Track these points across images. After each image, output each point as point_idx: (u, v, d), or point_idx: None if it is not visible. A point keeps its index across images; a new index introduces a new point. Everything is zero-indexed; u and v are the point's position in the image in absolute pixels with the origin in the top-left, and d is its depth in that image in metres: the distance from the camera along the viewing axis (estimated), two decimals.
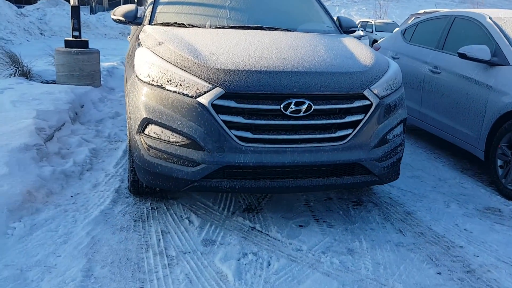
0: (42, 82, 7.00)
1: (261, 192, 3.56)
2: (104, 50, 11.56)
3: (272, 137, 2.94)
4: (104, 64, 8.82)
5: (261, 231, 3.19)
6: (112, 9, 4.69)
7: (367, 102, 3.11)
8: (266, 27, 4.01)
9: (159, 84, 3.01)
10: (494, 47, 4.52)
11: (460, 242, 3.23)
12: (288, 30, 4.05)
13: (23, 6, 22.60)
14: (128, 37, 5.80)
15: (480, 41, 4.77)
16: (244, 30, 3.88)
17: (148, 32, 3.64)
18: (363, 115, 3.11)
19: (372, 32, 22.10)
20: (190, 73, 2.96)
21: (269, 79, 2.92)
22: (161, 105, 2.95)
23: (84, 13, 23.68)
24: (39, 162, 3.89)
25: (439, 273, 2.82)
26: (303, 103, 2.94)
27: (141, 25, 4.11)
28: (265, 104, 2.91)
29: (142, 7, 4.91)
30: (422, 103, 5.53)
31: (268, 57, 3.12)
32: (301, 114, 2.94)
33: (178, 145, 2.94)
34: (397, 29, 10.32)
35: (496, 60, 4.43)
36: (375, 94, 3.14)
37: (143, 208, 3.42)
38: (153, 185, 3.09)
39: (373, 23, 22.88)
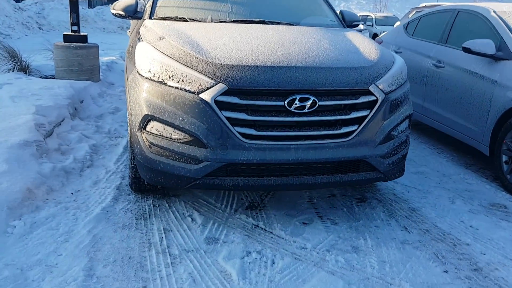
0: (41, 77, 6.93)
1: (265, 190, 3.51)
2: (103, 45, 11.46)
3: (276, 134, 2.89)
4: (103, 59, 8.75)
5: (264, 229, 3.15)
6: (111, 3, 4.62)
7: (373, 98, 3.06)
8: (269, 21, 3.96)
9: (160, 80, 2.95)
10: (499, 41, 4.46)
11: (466, 239, 3.19)
12: (291, 24, 3.99)
13: (21, 0, 22.45)
14: (127, 31, 5.73)
15: (484, 35, 4.72)
16: (246, 24, 3.82)
17: (149, 26, 3.58)
18: (369, 111, 3.06)
19: (372, 25, 22.00)
20: (192, 68, 2.90)
21: (273, 75, 2.87)
22: (163, 101, 2.90)
23: (83, 7, 23.52)
24: (38, 158, 3.83)
25: (446, 272, 2.78)
26: (308, 99, 2.88)
27: (142, 19, 4.05)
28: (269, 100, 2.86)
29: (142, 1, 4.84)
30: (425, 97, 5.48)
31: (272, 52, 3.06)
32: (306, 110, 2.89)
33: (180, 142, 2.89)
34: (398, 22, 10.25)
35: (501, 54, 4.37)
36: (380, 89, 3.09)
37: (145, 206, 3.38)
38: (155, 182, 3.04)
39: (373, 16, 22.77)
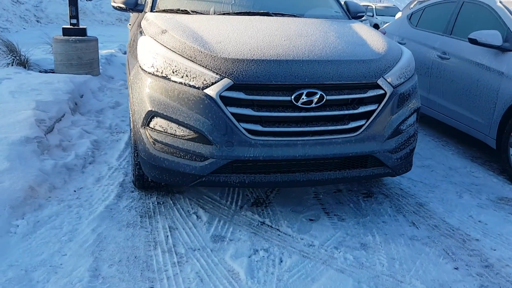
0: (40, 72, 6.85)
1: (271, 187, 3.46)
2: (102, 37, 11.33)
3: (283, 129, 2.83)
4: (102, 52, 8.65)
5: (271, 226, 3.10)
6: None
7: (381, 92, 2.99)
8: (273, 13, 3.88)
9: (164, 75, 2.89)
10: (506, 32, 4.39)
11: (476, 235, 3.14)
12: (295, 16, 3.92)
13: None
14: (128, 24, 5.64)
15: (490, 25, 4.64)
16: (250, 16, 3.75)
17: (151, 19, 3.51)
18: (377, 105, 3.00)
19: (372, 16, 21.86)
20: (196, 63, 2.83)
21: (280, 69, 2.80)
22: (167, 97, 2.83)
23: None
24: (40, 155, 3.78)
25: (457, 268, 2.74)
26: (315, 93, 2.82)
27: (143, 12, 3.97)
28: (275, 95, 2.79)
29: None
30: (430, 89, 5.41)
31: (278, 45, 2.99)
32: (313, 105, 2.83)
33: (185, 139, 2.83)
34: (399, 13, 10.15)
35: (508, 45, 4.30)
36: (389, 82, 3.02)
37: (149, 203, 3.32)
38: (159, 180, 2.98)
39: (373, 7, 22.62)
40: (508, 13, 4.54)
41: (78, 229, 2.91)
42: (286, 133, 2.85)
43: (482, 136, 4.54)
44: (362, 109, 2.95)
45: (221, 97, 2.75)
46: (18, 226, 2.86)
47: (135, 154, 3.26)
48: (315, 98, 2.82)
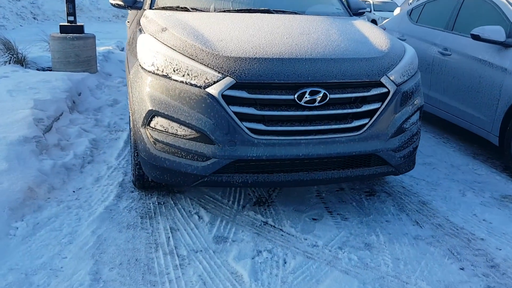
0: (37, 69, 6.79)
1: (274, 186, 3.41)
2: (99, 34, 11.23)
3: (286, 128, 2.79)
4: (100, 49, 8.58)
5: (274, 226, 3.06)
6: None
7: (384, 90, 2.95)
8: (274, 10, 3.83)
9: (164, 73, 2.84)
10: (509, 28, 4.35)
11: (481, 234, 3.11)
12: (296, 13, 3.87)
13: None
14: (126, 22, 5.58)
15: (493, 21, 4.60)
16: (251, 13, 3.70)
17: (150, 17, 3.45)
18: (380, 103, 2.96)
19: (370, 11, 21.79)
20: (197, 61, 2.79)
21: (282, 67, 2.76)
22: (168, 96, 2.79)
23: None
24: (39, 155, 3.73)
25: (462, 269, 2.70)
26: (318, 92, 2.78)
27: (142, 9, 3.91)
28: (278, 94, 2.75)
29: None
30: (430, 86, 5.38)
31: (280, 43, 2.95)
32: (316, 104, 2.79)
33: (186, 139, 2.79)
34: (397, 8, 10.08)
35: (511, 41, 4.26)
36: (392, 81, 2.98)
37: (150, 203, 3.28)
38: (160, 180, 2.94)
39: (371, 2, 22.54)
40: (511, 8, 4.50)
41: (78, 231, 2.87)
42: (289, 132, 2.81)
43: (485, 133, 4.50)
44: (365, 108, 2.91)
45: (223, 96, 2.71)
46: (17, 228, 2.82)
47: (135, 154, 3.21)
48: (318, 97, 2.78)
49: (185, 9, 3.72)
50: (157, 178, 2.95)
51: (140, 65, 3.00)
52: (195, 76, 2.75)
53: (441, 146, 4.98)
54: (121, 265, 2.56)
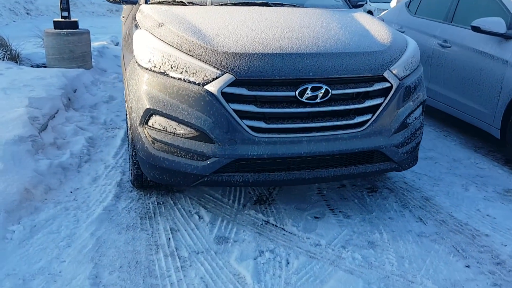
0: (32, 66, 6.69)
1: (276, 185, 3.34)
2: (93, 29, 11.09)
3: (287, 126, 2.73)
4: (94, 44, 8.46)
5: (275, 225, 3.01)
6: None
7: (387, 85, 2.90)
8: (272, 3, 3.75)
9: (162, 70, 2.77)
10: (510, 19, 4.29)
11: (485, 230, 3.07)
12: (295, 6, 3.80)
13: None
14: (121, 17, 5.49)
15: (492, 12, 4.54)
16: (248, 7, 3.62)
17: (146, 12, 3.37)
18: (383, 98, 2.90)
19: (366, 3, 21.63)
20: (196, 58, 2.72)
21: (283, 63, 2.69)
22: (165, 94, 2.72)
23: None
24: (34, 155, 3.65)
25: (468, 266, 2.66)
26: (320, 88, 2.72)
27: (137, 4, 3.83)
28: (279, 90, 2.69)
29: None
30: (430, 79, 5.32)
31: (280, 37, 2.88)
32: (318, 100, 2.73)
33: (185, 138, 2.72)
34: (394, 0, 10.00)
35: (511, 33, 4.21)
36: (394, 75, 2.92)
37: (149, 203, 3.22)
38: (159, 180, 2.88)
39: None
40: None
41: (76, 233, 2.80)
42: (290, 130, 2.75)
43: (486, 126, 4.45)
44: (368, 103, 2.86)
45: (223, 94, 2.64)
46: (14, 231, 2.76)
47: (133, 153, 3.14)
48: (320, 93, 2.72)
49: (181, 3, 3.65)
50: (156, 178, 2.88)
51: (136, 62, 2.93)
52: (193, 73, 2.69)
53: (441, 139, 4.93)
54: (121, 268, 2.50)
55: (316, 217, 3.13)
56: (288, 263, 2.62)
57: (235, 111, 2.66)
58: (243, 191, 3.45)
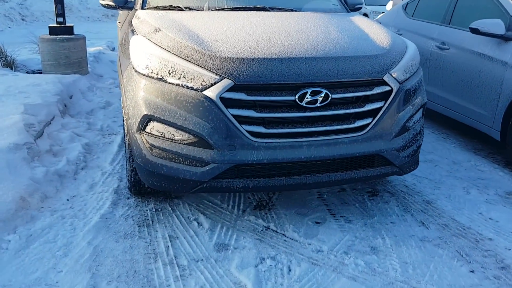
0: (27, 72, 6.64)
1: (276, 190, 3.31)
2: (89, 34, 11.09)
3: (287, 130, 2.69)
4: (90, 49, 8.42)
5: (276, 231, 2.96)
6: None
7: (387, 88, 2.86)
8: (269, 8, 3.72)
9: (159, 76, 2.73)
10: (508, 21, 4.27)
11: (488, 233, 3.03)
12: (292, 10, 3.76)
13: None
14: (117, 22, 5.45)
15: (491, 14, 4.52)
16: (246, 12, 3.58)
17: (142, 17, 3.33)
18: (383, 102, 2.87)
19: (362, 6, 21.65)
20: (194, 63, 2.68)
21: (282, 67, 2.65)
22: (163, 100, 2.67)
23: None
24: (30, 162, 3.60)
25: (472, 271, 2.62)
26: (320, 92, 2.68)
27: (133, 9, 3.79)
28: (278, 95, 2.65)
29: None
30: (428, 81, 5.29)
31: (278, 42, 2.84)
32: (318, 104, 2.69)
33: (184, 144, 2.68)
34: (390, 2, 9.99)
35: (511, 34, 4.18)
36: (395, 78, 2.89)
37: (147, 210, 3.17)
38: (157, 187, 2.83)
39: None
40: (510, 1, 4.42)
41: (73, 242, 2.75)
42: (290, 134, 2.71)
43: (486, 128, 4.43)
44: (368, 107, 2.82)
45: (222, 99, 2.60)
46: (10, 241, 2.70)
47: (131, 160, 3.10)
48: (320, 97, 2.68)
49: (178, 9, 3.61)
50: (154, 185, 2.84)
51: (133, 68, 2.89)
52: (191, 79, 2.65)
53: (441, 142, 4.90)
54: (119, 278, 2.45)
55: (317, 222, 3.09)
56: (290, 271, 2.57)
57: (234, 116, 2.62)
58: (242, 196, 3.41)
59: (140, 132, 2.80)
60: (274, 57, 2.69)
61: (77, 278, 2.42)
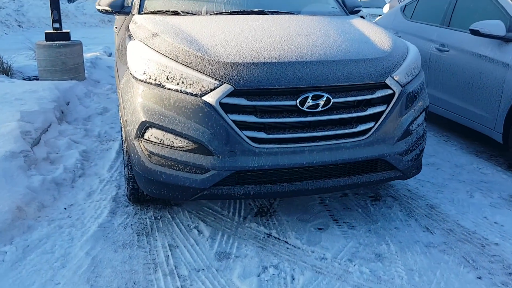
0: (24, 79, 6.58)
1: (278, 197, 3.24)
2: (85, 39, 11.02)
3: (288, 136, 2.63)
4: (87, 55, 8.37)
5: (278, 238, 2.90)
6: None
7: (390, 92, 2.81)
8: (268, 11, 3.67)
9: (158, 82, 2.67)
10: (509, 22, 4.23)
11: (494, 238, 2.98)
12: (291, 14, 3.72)
13: None
14: (114, 27, 5.40)
15: (490, 15, 4.49)
16: (244, 15, 3.53)
17: (139, 22, 3.28)
18: (385, 106, 2.82)
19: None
20: (192, 68, 2.62)
21: (283, 72, 2.60)
22: (162, 106, 2.62)
23: (62, 2, 22.82)
24: (27, 171, 3.54)
25: (480, 278, 2.57)
26: (321, 96, 2.63)
27: (130, 14, 3.74)
28: (279, 100, 2.60)
29: None
30: (428, 83, 5.25)
31: (278, 46, 2.79)
32: (319, 109, 2.64)
33: (183, 150, 2.62)
34: (387, 5, 9.96)
35: (511, 35, 4.14)
36: (397, 81, 2.84)
37: (146, 219, 3.11)
38: (156, 195, 2.77)
39: None
40: (510, 1, 4.38)
41: (71, 253, 2.69)
42: (292, 140, 2.66)
43: (488, 131, 4.38)
44: (370, 111, 2.77)
45: (221, 104, 2.55)
46: (6, 252, 2.64)
47: (129, 167, 3.04)
48: (322, 102, 2.63)
49: (175, 13, 3.56)
50: (153, 193, 2.78)
51: (131, 73, 2.84)
52: (190, 84, 2.59)
53: (442, 145, 4.85)
54: None
55: (319, 229, 3.03)
56: (293, 279, 2.51)
57: (234, 122, 2.56)
58: (243, 202, 3.35)
59: (138, 139, 2.74)
60: (274, 61, 2.64)
61: None
